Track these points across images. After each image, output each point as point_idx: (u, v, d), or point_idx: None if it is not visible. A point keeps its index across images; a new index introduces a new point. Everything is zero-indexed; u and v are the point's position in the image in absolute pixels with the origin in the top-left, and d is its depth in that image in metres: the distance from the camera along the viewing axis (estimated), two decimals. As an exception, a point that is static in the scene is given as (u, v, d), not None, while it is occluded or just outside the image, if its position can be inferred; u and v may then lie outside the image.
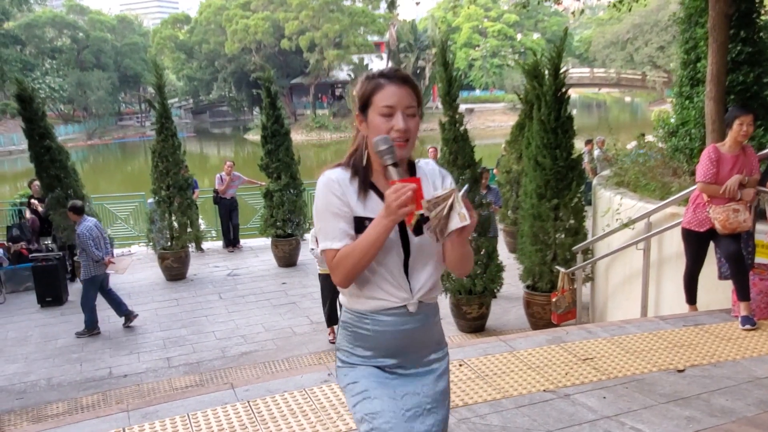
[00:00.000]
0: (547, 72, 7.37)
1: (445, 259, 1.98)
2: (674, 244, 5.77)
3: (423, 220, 1.82)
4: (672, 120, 7.93)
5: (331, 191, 1.90)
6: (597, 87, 64.19)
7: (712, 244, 4.92)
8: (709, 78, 6.10)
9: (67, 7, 62.35)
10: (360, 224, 1.88)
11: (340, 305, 2.09)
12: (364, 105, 1.91)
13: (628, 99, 75.40)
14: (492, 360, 4.00)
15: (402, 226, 1.88)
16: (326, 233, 1.91)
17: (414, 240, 1.91)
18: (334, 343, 7.43)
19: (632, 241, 6.11)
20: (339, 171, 1.95)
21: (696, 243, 4.92)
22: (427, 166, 2.03)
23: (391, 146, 1.81)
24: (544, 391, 3.56)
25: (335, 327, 7.49)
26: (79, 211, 7.99)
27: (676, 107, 7.76)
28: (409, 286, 1.93)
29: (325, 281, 7.08)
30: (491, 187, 9.30)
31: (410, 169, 1.98)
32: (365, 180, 1.92)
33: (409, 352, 1.99)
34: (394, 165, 1.80)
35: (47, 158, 9.54)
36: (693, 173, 6.59)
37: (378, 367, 2.01)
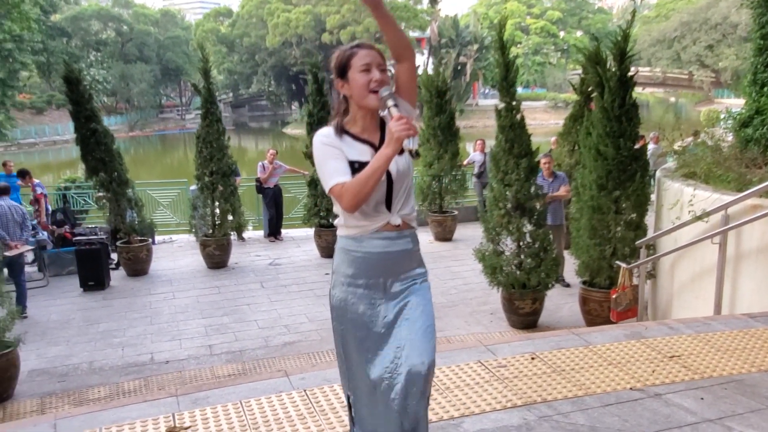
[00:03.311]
0: (611, 56, 6.97)
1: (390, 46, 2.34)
2: (755, 239, 5.35)
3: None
4: (742, 110, 7.47)
5: (324, 143, 2.29)
6: (641, 86, 62.86)
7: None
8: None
9: (113, 1, 63.32)
10: (351, 167, 2.25)
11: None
12: (343, 70, 2.31)
13: (672, 99, 73.65)
14: (567, 354, 3.67)
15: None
16: (330, 173, 2.25)
17: (393, 171, 2.28)
18: None
19: (706, 235, 5.69)
20: (326, 129, 2.36)
21: (787, 235, 4.51)
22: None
23: (392, 92, 2.25)
24: (631, 389, 3.22)
25: None
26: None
27: (749, 96, 7.30)
28: (389, 208, 2.32)
29: None
30: (557, 174, 8.92)
31: (381, 125, 2.35)
32: (342, 127, 2.34)
33: (391, 271, 2.35)
34: (395, 106, 2.20)
35: (93, 141, 9.42)
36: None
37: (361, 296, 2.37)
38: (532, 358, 3.62)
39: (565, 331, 4.06)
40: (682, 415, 2.94)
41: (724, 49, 47.00)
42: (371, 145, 2.31)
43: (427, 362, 2.26)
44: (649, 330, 4.04)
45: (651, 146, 14.44)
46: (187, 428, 3.00)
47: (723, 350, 3.68)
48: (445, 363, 3.59)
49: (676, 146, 7.76)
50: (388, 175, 2.29)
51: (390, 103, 2.22)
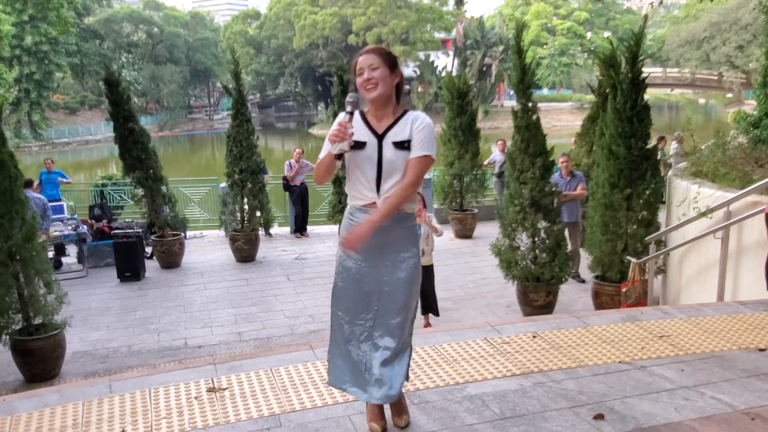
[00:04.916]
0: (624, 59, 7.26)
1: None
2: (754, 234, 5.62)
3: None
4: (754, 111, 7.72)
5: (336, 124, 2.65)
6: (669, 87, 62.23)
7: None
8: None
9: (144, 3, 64.51)
10: (356, 144, 2.68)
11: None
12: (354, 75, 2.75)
13: (702, 101, 72.78)
14: (566, 333, 4.03)
15: (380, 147, 2.69)
16: (324, 147, 2.75)
17: (386, 157, 2.68)
18: (429, 326, 7.07)
19: (709, 230, 5.99)
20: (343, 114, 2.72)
21: (779, 229, 4.79)
22: (413, 114, 2.77)
23: (355, 101, 2.67)
24: (620, 362, 3.57)
25: (429, 315, 7.16)
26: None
27: (759, 98, 7.55)
28: (377, 189, 2.70)
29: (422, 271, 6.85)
30: (575, 173, 9.22)
31: (402, 114, 2.75)
32: (354, 113, 2.72)
33: (376, 241, 2.69)
34: (350, 113, 2.65)
35: (130, 140, 9.96)
36: (778, 162, 6.42)
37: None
38: (534, 337, 3.98)
39: (566, 315, 4.42)
40: (662, 383, 3.29)
41: (754, 50, 46.39)
42: (373, 131, 2.73)
43: (395, 343, 2.77)
44: (644, 314, 4.37)
45: (674, 146, 14.68)
46: (224, 389, 3.42)
47: (710, 331, 4.01)
48: (454, 339, 3.99)
49: (687, 147, 8.02)
50: (379, 160, 2.69)
51: (348, 108, 2.67)
